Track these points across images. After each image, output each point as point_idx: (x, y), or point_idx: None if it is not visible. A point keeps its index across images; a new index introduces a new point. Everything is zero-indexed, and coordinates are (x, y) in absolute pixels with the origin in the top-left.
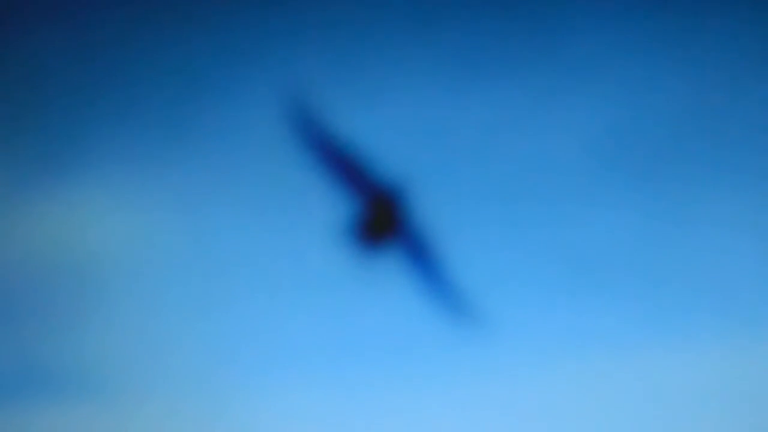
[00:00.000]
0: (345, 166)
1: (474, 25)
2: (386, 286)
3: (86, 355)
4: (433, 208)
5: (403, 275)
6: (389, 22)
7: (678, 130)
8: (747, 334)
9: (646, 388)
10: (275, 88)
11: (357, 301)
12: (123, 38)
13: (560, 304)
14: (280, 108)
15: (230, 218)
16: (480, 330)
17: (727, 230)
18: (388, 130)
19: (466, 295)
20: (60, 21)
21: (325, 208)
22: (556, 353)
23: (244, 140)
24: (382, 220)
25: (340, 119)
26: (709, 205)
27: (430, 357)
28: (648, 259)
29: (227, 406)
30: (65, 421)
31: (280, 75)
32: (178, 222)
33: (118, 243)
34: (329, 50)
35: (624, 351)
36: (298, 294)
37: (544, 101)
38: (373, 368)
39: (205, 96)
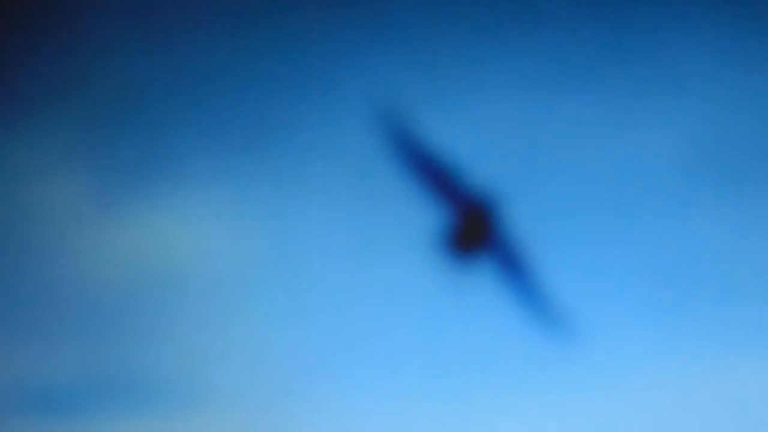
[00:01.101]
0: (437, 176)
1: (565, 36)
2: (478, 297)
3: (173, 364)
4: (525, 219)
5: (495, 286)
6: (481, 32)
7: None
8: None
9: (736, 405)
10: (367, 97)
11: (448, 312)
12: (215, 48)
13: (651, 317)
14: (371, 117)
15: (320, 228)
16: (571, 342)
17: None
18: (481, 140)
19: (558, 306)
20: (152, 30)
21: (417, 218)
22: (646, 367)
23: (335, 149)
24: (474, 230)
25: (432, 129)
26: None
27: (521, 369)
28: (740, 273)
29: (313, 415)
30: (151, 430)
31: (371, 84)
32: (268, 231)
33: (207, 252)
34: (421, 59)
35: (715, 367)
36: (388, 305)
37: (634, 112)
38: (464, 380)
39: (296, 105)
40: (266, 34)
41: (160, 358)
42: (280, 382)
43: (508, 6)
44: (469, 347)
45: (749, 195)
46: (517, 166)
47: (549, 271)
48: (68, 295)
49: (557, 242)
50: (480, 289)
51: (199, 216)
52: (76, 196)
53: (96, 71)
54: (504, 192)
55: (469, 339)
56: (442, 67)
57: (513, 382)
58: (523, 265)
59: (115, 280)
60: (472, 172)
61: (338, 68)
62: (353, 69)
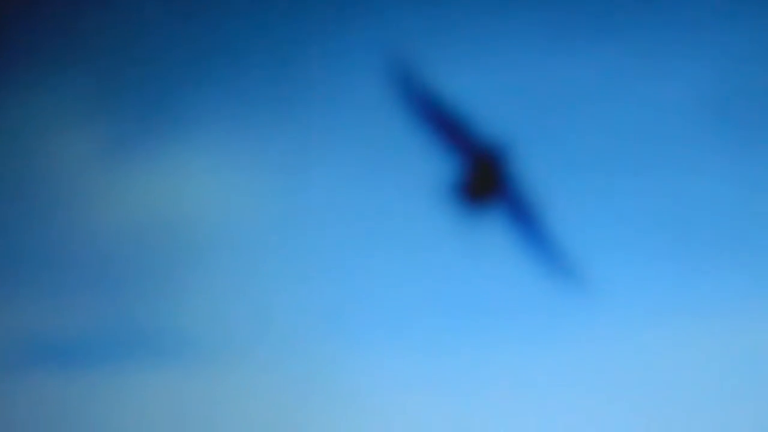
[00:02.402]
0: (448, 126)
1: None
2: (488, 246)
3: (185, 317)
4: (536, 168)
5: (505, 235)
6: None
7: None
8: None
9: (741, 350)
10: (378, 48)
11: (459, 262)
12: (224, 6)
13: (662, 264)
14: (383, 69)
15: (331, 178)
16: (581, 290)
17: None
18: (492, 90)
19: (567, 254)
20: None
21: (428, 168)
22: (656, 315)
23: (346, 100)
24: (484, 180)
25: (443, 79)
26: None
27: (532, 317)
28: (751, 221)
29: (325, 366)
30: (165, 382)
31: (383, 35)
32: (279, 182)
33: (220, 204)
34: (432, 10)
35: (725, 315)
36: (400, 255)
37: (646, 62)
38: (474, 328)
39: (307, 57)
40: None
41: (171, 310)
42: (292, 333)
43: None
44: (480, 295)
45: (760, 145)
46: (528, 115)
47: (559, 220)
48: (79, 246)
49: (568, 191)
50: (491, 237)
51: (210, 166)
52: (88, 146)
53: (108, 20)
54: (515, 141)
55: (480, 287)
56: (453, 16)
57: (523, 329)
58: (534, 213)
59: (127, 230)
60: (483, 122)
61: (351, 17)
62: (366, 18)
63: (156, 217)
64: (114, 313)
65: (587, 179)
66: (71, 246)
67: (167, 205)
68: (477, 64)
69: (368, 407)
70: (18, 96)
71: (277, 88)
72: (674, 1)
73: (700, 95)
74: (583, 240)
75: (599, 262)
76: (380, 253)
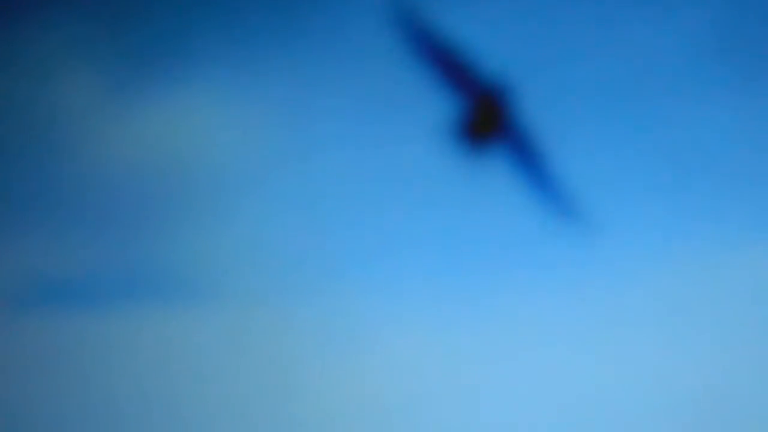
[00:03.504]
0: (449, 65)
1: None
2: (492, 185)
3: (191, 260)
4: (538, 105)
5: (508, 174)
6: None
7: None
8: None
9: (748, 285)
10: None
11: (463, 201)
12: None
13: (664, 201)
14: (382, 8)
15: (330, 116)
16: (584, 228)
17: None
18: (492, 27)
19: (571, 193)
20: None
21: (429, 107)
22: (659, 251)
23: (347, 42)
24: (487, 118)
25: (443, 16)
26: None
27: (535, 255)
28: (752, 158)
29: (325, 307)
30: (172, 325)
31: None
32: (279, 119)
33: (221, 143)
34: None
35: (726, 249)
36: (404, 196)
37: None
38: (478, 267)
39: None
40: None
41: (172, 249)
42: (291, 274)
43: None
44: (483, 235)
45: (762, 83)
46: (529, 53)
47: (563, 159)
48: (79, 186)
49: (571, 129)
50: (493, 176)
51: (212, 105)
52: (88, 87)
53: None
54: (517, 78)
55: (482, 227)
56: None
57: (527, 269)
58: (537, 152)
59: (126, 171)
60: (484, 59)
61: None
62: None
63: (157, 158)
64: (115, 253)
65: (591, 115)
66: (72, 187)
67: (168, 146)
68: (480, 4)
69: (364, 348)
70: (16, 39)
71: (278, 25)
72: None
73: (704, 26)
74: (586, 179)
75: (603, 200)
76: (379, 191)
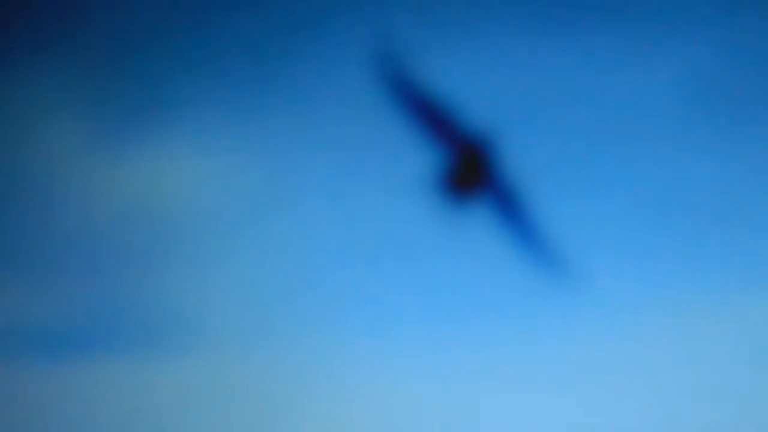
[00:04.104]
0: (433, 116)
1: None
2: (475, 235)
3: (178, 308)
4: (522, 156)
5: (491, 225)
6: None
7: None
8: None
9: (733, 335)
10: (362, 37)
11: (444, 253)
12: None
13: (648, 251)
14: (366, 57)
15: (315, 167)
16: (568, 278)
17: None
18: (475, 78)
19: (555, 243)
20: None
21: (413, 158)
22: (644, 300)
23: (331, 88)
24: (470, 170)
25: (427, 67)
26: None
27: (519, 306)
28: (737, 205)
29: (306, 355)
30: (160, 372)
31: (366, 24)
32: (264, 170)
33: (203, 190)
34: (414, 1)
35: (712, 298)
36: (384, 244)
37: (633, 45)
38: (461, 318)
39: (293, 45)
40: None
41: (157, 298)
42: (277, 321)
43: None
44: (466, 287)
45: (747, 129)
46: (514, 106)
47: (546, 212)
48: (65, 235)
49: (555, 178)
50: (477, 229)
51: (196, 154)
52: (75, 135)
53: (95, 11)
54: (501, 132)
55: (466, 279)
56: (438, 7)
57: (510, 322)
58: (520, 205)
59: (112, 219)
60: (469, 112)
61: (333, 8)
62: (351, 8)
63: (144, 207)
64: (101, 302)
65: (574, 171)
66: (60, 235)
67: (154, 194)
68: (463, 56)
69: (352, 395)
70: (4, 86)
71: (263, 78)
72: None
73: (689, 72)
74: (569, 232)
75: (586, 254)
76: (362, 242)
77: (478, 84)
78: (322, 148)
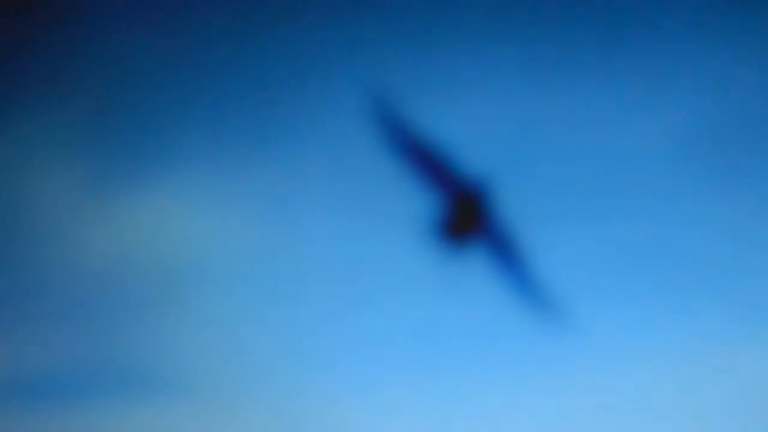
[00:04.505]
0: (428, 163)
1: (557, 18)
2: (471, 282)
3: (162, 352)
4: (518, 204)
5: (487, 272)
6: (470, 18)
7: (765, 123)
8: None
9: (725, 381)
10: (358, 86)
11: (442, 299)
12: (211, 40)
13: (646, 300)
14: (363, 106)
15: (313, 217)
16: (562, 323)
17: None
18: (472, 127)
19: (549, 290)
20: (148, 23)
21: (410, 205)
22: (636, 345)
23: (328, 139)
24: (466, 216)
25: (423, 116)
26: None
27: (513, 351)
28: (737, 255)
29: (304, 401)
30: (152, 421)
31: (362, 73)
32: (261, 219)
33: (203, 244)
34: (411, 48)
35: (704, 344)
36: (383, 292)
37: (629, 95)
38: (458, 365)
39: (289, 96)
40: (261, 25)
41: (152, 347)
42: (272, 369)
43: None
44: (462, 332)
45: (739, 179)
46: (510, 150)
47: (541, 258)
48: (60, 283)
49: (553, 226)
50: (472, 275)
51: (192, 204)
52: (71, 185)
53: (92, 62)
54: (496, 179)
55: (462, 324)
56: (434, 56)
57: (504, 367)
58: (515, 251)
59: (107, 269)
60: (465, 159)
61: (329, 58)
62: (345, 59)
63: (138, 253)
64: (94, 349)
65: (568, 218)
66: (49, 281)
67: (150, 241)
68: (460, 104)
69: None
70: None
71: (259, 125)
72: (650, 37)
73: (686, 122)
74: (564, 279)
75: (580, 300)
76: (364, 289)
77: (474, 131)
78: (317, 196)
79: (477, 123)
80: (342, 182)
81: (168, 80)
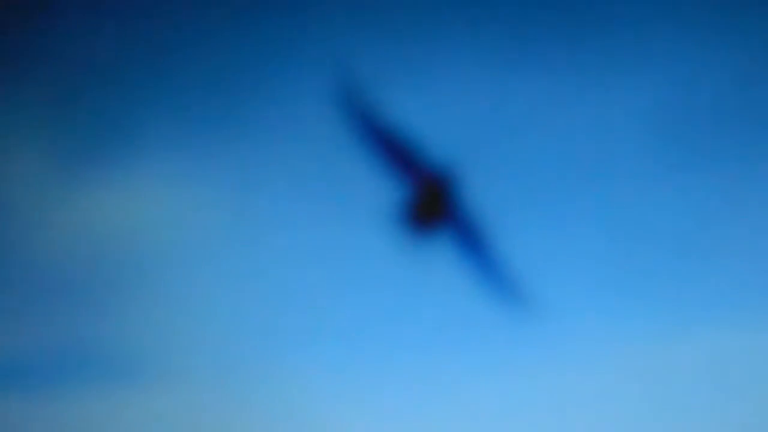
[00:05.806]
0: (393, 150)
1: (523, 9)
2: (437, 269)
3: (140, 340)
4: (483, 190)
5: (453, 258)
6: (438, 7)
7: (733, 106)
8: None
9: (699, 368)
10: (323, 73)
11: (407, 286)
12: (173, 21)
13: (611, 284)
14: (328, 93)
15: (280, 204)
16: (530, 311)
17: None
18: (437, 112)
19: (517, 277)
20: (115, 10)
21: (375, 192)
22: (606, 333)
23: (293, 126)
24: (432, 203)
25: (388, 102)
26: (766, 183)
27: (481, 340)
28: (701, 238)
29: (274, 387)
30: (121, 406)
31: (327, 60)
32: (229, 208)
33: (170, 230)
34: (375, 34)
35: (675, 331)
36: (348, 279)
37: (595, 78)
38: (423, 352)
39: (256, 77)
40: (228, 10)
41: (119, 332)
42: (241, 354)
43: None
44: (428, 320)
45: (716, 158)
46: (475, 140)
47: (509, 241)
48: (25, 270)
49: (517, 211)
50: (438, 262)
51: (158, 188)
52: (34, 171)
53: (53, 45)
54: (462, 165)
55: (428, 312)
56: (400, 42)
57: (472, 352)
58: (482, 238)
59: (72, 253)
60: (430, 145)
61: (294, 45)
62: (309, 45)
63: (105, 239)
64: (63, 335)
65: (536, 203)
66: (21, 268)
67: (111, 226)
68: (425, 89)
69: (312, 428)
70: None
71: (226, 111)
72: (620, 19)
73: (651, 105)
74: (532, 261)
75: (549, 277)
76: (329, 277)
77: (439, 117)
78: (284, 181)
79: (442, 108)
80: (310, 168)
81: (133, 64)
